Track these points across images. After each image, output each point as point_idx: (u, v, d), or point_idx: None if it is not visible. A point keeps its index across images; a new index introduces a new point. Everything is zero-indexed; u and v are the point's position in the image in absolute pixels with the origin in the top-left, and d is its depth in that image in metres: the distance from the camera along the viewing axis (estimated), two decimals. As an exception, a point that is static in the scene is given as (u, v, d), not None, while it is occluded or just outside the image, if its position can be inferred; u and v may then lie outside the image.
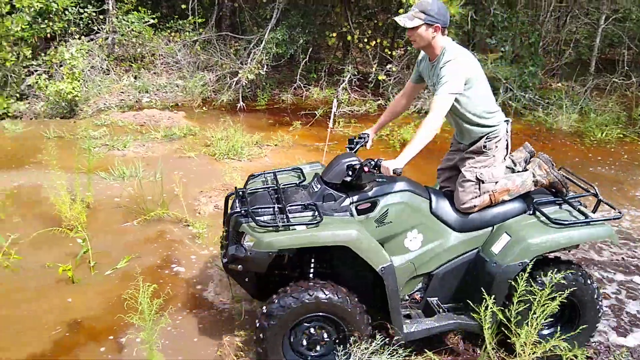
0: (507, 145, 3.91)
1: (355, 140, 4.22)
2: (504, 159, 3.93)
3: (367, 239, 3.57)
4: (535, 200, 3.94)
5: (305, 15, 11.40)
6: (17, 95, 9.59)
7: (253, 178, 4.19)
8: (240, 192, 3.97)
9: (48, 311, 4.24)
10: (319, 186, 3.78)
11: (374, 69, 11.03)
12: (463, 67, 3.57)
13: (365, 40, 11.41)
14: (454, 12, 8.96)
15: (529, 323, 3.56)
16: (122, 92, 10.34)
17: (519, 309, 3.55)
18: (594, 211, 3.91)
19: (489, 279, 3.74)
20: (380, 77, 10.79)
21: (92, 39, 10.80)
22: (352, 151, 4.08)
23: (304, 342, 3.63)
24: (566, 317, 4.01)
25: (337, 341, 3.64)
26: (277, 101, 11.09)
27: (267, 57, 10.62)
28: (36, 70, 9.82)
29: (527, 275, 3.57)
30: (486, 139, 3.80)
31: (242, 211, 3.60)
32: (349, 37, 11.35)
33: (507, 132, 3.87)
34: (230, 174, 6.62)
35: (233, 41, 11.90)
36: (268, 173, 4.25)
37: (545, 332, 3.94)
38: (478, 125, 3.78)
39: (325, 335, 3.65)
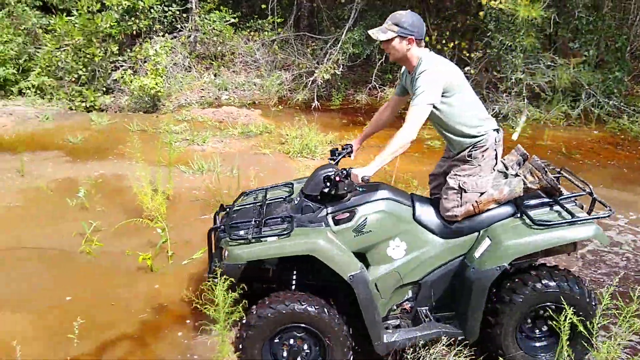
0: (496, 155, 3.77)
1: (337, 152, 4.21)
2: (493, 169, 3.80)
3: (334, 248, 3.56)
4: (524, 202, 3.77)
5: (382, 15, 11.35)
6: (104, 89, 10.02)
7: (245, 195, 4.24)
8: (227, 208, 4.05)
9: (134, 296, 4.45)
10: (298, 199, 3.81)
11: (451, 71, 10.86)
12: (440, 76, 3.51)
13: (443, 41, 11.27)
14: (536, 15, 8.71)
15: (612, 337, 3.42)
16: (202, 89, 10.62)
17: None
18: (589, 211, 3.69)
19: (468, 285, 3.64)
20: (457, 80, 10.63)
21: (175, 37, 11.14)
22: (334, 162, 4.09)
23: (284, 354, 3.58)
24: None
25: (319, 353, 3.59)
26: (351, 101, 11.11)
27: (343, 57, 10.66)
28: (122, 66, 10.22)
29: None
30: (472, 148, 3.70)
31: (221, 226, 3.71)
32: (427, 38, 11.23)
33: (496, 141, 3.73)
34: (303, 172, 6.70)
35: (310, 41, 12.00)
36: (260, 190, 4.29)
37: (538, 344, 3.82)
38: (462, 135, 3.69)
39: (306, 347, 3.59)
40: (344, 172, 3.56)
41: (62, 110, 9.31)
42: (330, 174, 3.66)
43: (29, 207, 5.92)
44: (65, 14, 9.77)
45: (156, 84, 9.37)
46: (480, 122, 3.69)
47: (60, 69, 9.76)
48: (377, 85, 11.22)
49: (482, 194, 3.70)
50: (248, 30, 12.17)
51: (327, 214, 3.74)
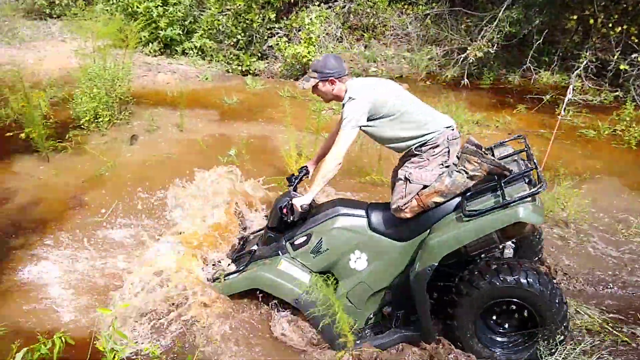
0: (448, 151, 3.79)
1: (294, 177, 4.34)
2: (442, 164, 3.79)
3: (274, 278, 3.90)
4: (466, 193, 3.69)
5: (544, -7, 10.80)
6: (259, 54, 10.44)
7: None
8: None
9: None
10: (264, 231, 4.21)
11: (615, 57, 10.12)
12: (362, 102, 3.70)
13: (610, 25, 10.48)
14: None
15: None
16: (351, 60, 10.72)
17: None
18: (534, 185, 3.50)
19: (412, 286, 3.67)
20: (622, 67, 9.87)
21: (330, 7, 11.30)
22: (291, 187, 4.22)
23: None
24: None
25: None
26: (502, 82, 10.68)
27: (498, 36, 10.27)
28: (277, 33, 10.57)
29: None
30: (421, 145, 3.79)
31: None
32: (591, 21, 10.51)
33: (448, 139, 3.78)
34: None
35: (465, 17, 11.66)
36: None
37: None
38: (403, 141, 3.84)
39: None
40: (288, 203, 3.89)
41: (220, 72, 9.84)
42: (284, 204, 3.95)
43: (184, 158, 6.38)
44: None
45: (308, 52, 9.60)
46: (422, 125, 3.77)
47: (220, 32, 10.28)
48: (532, 67, 10.71)
49: (425, 187, 3.74)
50: (402, 3, 12.06)
51: (285, 241, 4.06)
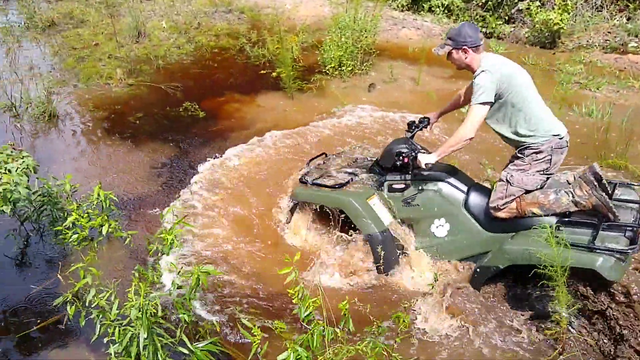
0: (550, 159, 3.75)
1: (414, 124, 4.39)
2: (544, 172, 3.78)
3: (361, 209, 4.17)
4: (565, 218, 3.69)
5: None
6: (506, 17, 10.04)
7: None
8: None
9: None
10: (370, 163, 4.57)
11: None
12: (492, 77, 3.65)
13: None
14: None
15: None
16: (609, 32, 9.83)
17: None
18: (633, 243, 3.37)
19: (472, 274, 3.93)
20: None
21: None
22: (410, 134, 4.33)
23: None
24: None
25: None
26: None
27: None
28: (531, -4, 10.06)
29: None
30: (525, 147, 3.77)
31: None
32: None
33: (553, 147, 3.72)
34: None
35: None
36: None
37: None
38: (515, 133, 3.79)
39: None
40: (413, 154, 4.04)
41: (462, 32, 9.70)
42: (403, 151, 4.10)
43: (416, 108, 6.63)
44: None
45: (561, 20, 9.01)
46: (534, 125, 3.71)
47: (471, -8, 10.09)
48: None
49: (527, 192, 3.78)
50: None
51: (385, 180, 4.29)
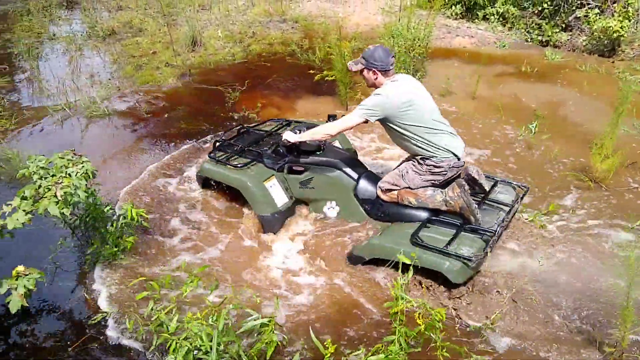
0: (445, 174, 4.22)
1: (330, 117, 4.74)
2: (435, 182, 4.26)
3: (256, 191, 4.65)
4: (434, 216, 4.19)
5: None
6: (563, 25, 9.83)
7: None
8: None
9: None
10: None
11: None
12: (383, 104, 4.07)
13: None
14: None
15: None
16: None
17: None
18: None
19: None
20: None
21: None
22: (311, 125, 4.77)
23: None
24: None
25: None
26: None
27: None
28: (588, 4, 9.82)
29: None
30: (428, 159, 4.20)
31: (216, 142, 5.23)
32: None
33: (450, 167, 4.19)
34: None
35: None
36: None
37: None
38: (412, 150, 4.27)
39: None
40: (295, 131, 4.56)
41: (518, 40, 9.55)
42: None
43: (472, 116, 6.65)
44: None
45: (621, 27, 8.77)
46: (435, 146, 4.14)
47: (526, -1, 9.94)
48: None
49: (410, 188, 4.29)
50: None
51: (286, 162, 4.74)
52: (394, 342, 3.07)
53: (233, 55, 8.33)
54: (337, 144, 5.10)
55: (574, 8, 9.83)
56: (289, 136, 4.52)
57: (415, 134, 4.13)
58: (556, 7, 9.73)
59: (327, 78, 7.13)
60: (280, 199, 4.74)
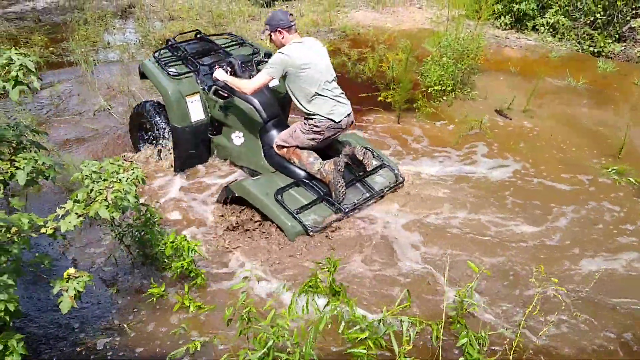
0: (323, 134, 4.84)
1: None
2: (315, 140, 4.88)
3: (174, 102, 5.20)
4: (307, 179, 4.91)
5: None
6: (617, 36, 9.63)
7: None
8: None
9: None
10: (225, 63, 5.27)
11: None
12: (284, 62, 4.64)
13: None
14: None
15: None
16: None
17: None
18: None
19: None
20: None
21: None
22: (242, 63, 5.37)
23: None
24: None
25: None
26: None
27: None
28: (643, 14, 9.60)
29: None
30: (310, 118, 4.85)
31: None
32: None
33: (327, 128, 4.81)
34: None
35: None
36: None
37: None
38: (301, 106, 4.87)
39: None
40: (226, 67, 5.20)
41: (569, 51, 9.37)
42: (222, 65, 5.23)
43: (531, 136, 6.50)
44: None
45: (677, 38, 8.54)
46: (318, 107, 4.79)
47: (577, 9, 9.73)
48: None
49: (296, 146, 4.93)
50: None
51: (214, 84, 5.22)
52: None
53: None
54: (274, 83, 5.38)
55: (628, 18, 9.62)
56: (219, 74, 5.04)
57: (304, 95, 4.78)
58: (609, 18, 9.53)
59: (387, 99, 7.06)
60: (197, 114, 5.35)
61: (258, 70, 5.22)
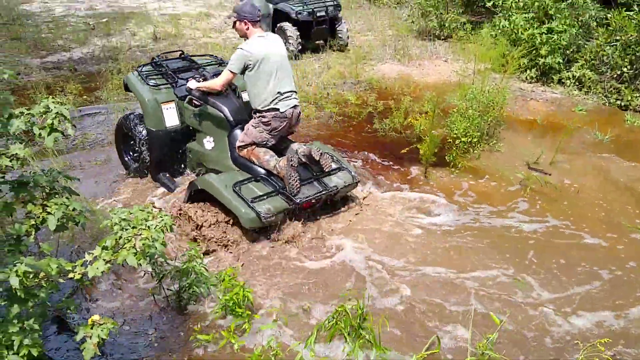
0: (270, 124, 5.32)
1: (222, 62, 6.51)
2: (266, 131, 5.36)
3: (150, 108, 5.82)
4: (266, 175, 5.35)
5: None
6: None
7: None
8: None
9: None
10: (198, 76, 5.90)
11: None
12: (245, 56, 5.10)
13: None
14: None
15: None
16: None
17: None
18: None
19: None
20: None
21: None
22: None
23: None
24: None
25: None
26: None
27: None
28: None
29: None
30: (256, 112, 5.36)
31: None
32: None
33: (272, 117, 5.28)
34: None
35: None
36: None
37: None
38: (252, 100, 5.35)
39: None
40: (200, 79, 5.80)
41: (595, 105, 9.36)
42: (195, 76, 5.86)
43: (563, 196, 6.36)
44: (624, 9, 9.64)
45: None
46: (264, 100, 5.25)
47: (604, 63, 9.77)
48: None
49: (257, 144, 5.41)
50: None
51: (189, 94, 5.75)
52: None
53: (308, 116, 8.55)
54: (245, 95, 5.89)
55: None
56: (192, 84, 5.65)
57: (256, 88, 5.24)
58: (636, 72, 9.53)
59: (415, 153, 7.04)
60: (171, 120, 5.96)
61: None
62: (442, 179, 6.79)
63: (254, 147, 5.42)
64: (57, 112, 3.53)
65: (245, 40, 5.28)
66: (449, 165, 7.00)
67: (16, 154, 3.61)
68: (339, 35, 11.74)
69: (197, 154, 6.09)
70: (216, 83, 5.44)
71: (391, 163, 7.19)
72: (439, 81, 10.03)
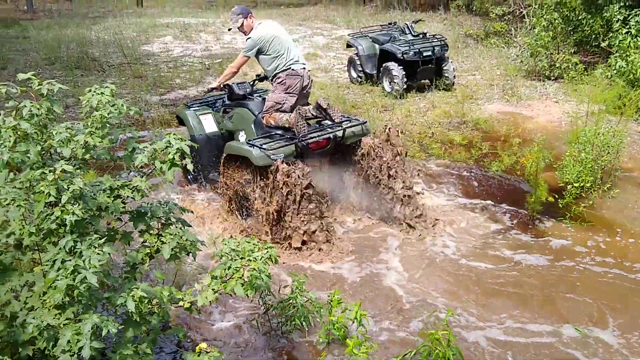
0: (286, 82, 6.38)
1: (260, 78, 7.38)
2: (283, 91, 6.37)
3: (190, 118, 7.12)
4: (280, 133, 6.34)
5: None
6: None
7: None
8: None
9: None
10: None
11: None
12: (255, 43, 6.32)
13: None
14: None
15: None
16: None
17: None
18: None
19: None
20: None
21: None
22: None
23: None
24: None
25: None
26: None
27: None
28: None
29: None
30: (274, 78, 6.48)
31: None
32: None
33: (286, 75, 6.36)
34: None
35: None
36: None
37: None
38: (270, 72, 6.50)
39: None
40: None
41: None
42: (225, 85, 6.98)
43: None
44: None
45: None
46: (280, 66, 6.36)
47: None
48: None
49: (277, 109, 6.33)
50: None
51: (222, 106, 7.13)
52: None
53: (413, 157, 8.52)
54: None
55: None
56: (212, 84, 7.06)
57: (274, 62, 6.34)
58: None
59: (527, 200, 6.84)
60: (209, 127, 7.08)
61: (251, 87, 7.10)
62: (559, 231, 6.50)
63: (272, 111, 6.29)
64: (178, 148, 3.73)
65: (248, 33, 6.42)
66: (560, 211, 6.72)
67: (137, 185, 3.85)
68: (445, 74, 11.64)
69: None
70: (231, 66, 6.67)
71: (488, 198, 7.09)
72: (549, 123, 9.71)
